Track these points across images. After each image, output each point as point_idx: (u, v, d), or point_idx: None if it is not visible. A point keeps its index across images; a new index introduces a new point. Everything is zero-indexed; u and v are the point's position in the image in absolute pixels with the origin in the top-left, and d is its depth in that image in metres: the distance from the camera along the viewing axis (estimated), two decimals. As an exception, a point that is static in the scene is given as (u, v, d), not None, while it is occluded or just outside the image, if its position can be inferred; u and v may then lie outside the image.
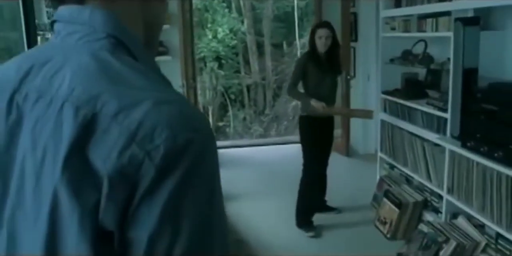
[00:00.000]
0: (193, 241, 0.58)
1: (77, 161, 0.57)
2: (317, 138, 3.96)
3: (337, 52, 3.96)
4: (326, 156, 4.14)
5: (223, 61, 12.09)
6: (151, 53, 0.78)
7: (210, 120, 11.94)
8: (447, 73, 3.67)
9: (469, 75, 3.20)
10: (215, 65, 11.98)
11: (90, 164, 0.57)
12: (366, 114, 4.17)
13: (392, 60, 4.29)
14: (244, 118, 12.44)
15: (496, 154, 2.78)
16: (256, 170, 5.63)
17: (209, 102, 12.01)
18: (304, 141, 3.98)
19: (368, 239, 3.87)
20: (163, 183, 0.56)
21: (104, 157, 0.57)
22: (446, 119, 3.49)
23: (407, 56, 4.09)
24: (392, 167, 4.42)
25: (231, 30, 12.08)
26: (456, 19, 3.22)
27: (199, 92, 11.91)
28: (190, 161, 0.58)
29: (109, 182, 0.56)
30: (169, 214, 0.57)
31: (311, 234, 3.95)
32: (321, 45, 3.82)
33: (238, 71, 12.54)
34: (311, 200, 4.02)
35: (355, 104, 5.85)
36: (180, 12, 5.21)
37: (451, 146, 3.28)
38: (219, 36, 11.76)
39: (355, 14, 5.75)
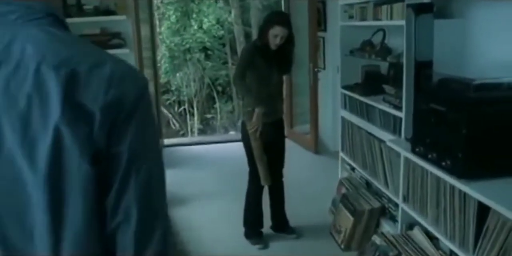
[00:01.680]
0: (154, 154, 0.84)
1: (71, 104, 0.74)
2: (263, 145, 3.41)
3: (290, 50, 3.41)
4: (277, 165, 3.58)
5: (209, 52, 11.61)
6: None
7: (195, 113, 11.54)
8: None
9: (422, 69, 2.75)
10: (201, 56, 11.50)
11: (82, 105, 0.74)
12: (264, 176, 3.44)
13: (352, 52, 3.83)
14: (232, 111, 11.99)
15: (443, 163, 2.34)
16: (216, 170, 5.19)
17: (194, 95, 11.57)
18: (247, 149, 3.45)
19: (322, 250, 3.45)
20: (135, 113, 0.79)
21: (92, 98, 0.75)
22: (401, 119, 3.05)
23: (365, 47, 3.63)
24: (352, 168, 3.98)
25: (217, 21, 11.57)
26: (408, 6, 2.76)
27: (184, 84, 11.55)
28: (148, 98, 0.81)
29: (100, 114, 0.75)
30: (140, 133, 0.80)
31: (258, 246, 3.53)
32: (274, 44, 3.26)
33: (225, 63, 12.06)
34: (257, 211, 3.57)
35: (324, 97, 5.39)
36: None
37: (403, 151, 2.83)
38: (205, 26, 11.26)
39: (323, 2, 5.26)
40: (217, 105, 11.84)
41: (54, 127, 0.73)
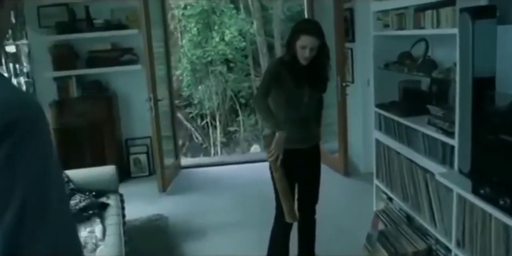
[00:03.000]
0: (27, 203, 0.66)
1: None
2: (291, 174, 2.79)
3: (323, 64, 2.79)
4: (309, 199, 2.97)
5: (231, 64, 11.10)
6: None
7: (218, 126, 11.03)
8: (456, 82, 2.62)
9: (482, 88, 2.16)
10: (223, 68, 11.00)
11: None
12: (288, 212, 2.78)
13: (387, 65, 3.24)
14: (255, 124, 11.43)
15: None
16: (237, 195, 4.59)
17: (217, 108, 11.07)
18: (272, 176, 2.84)
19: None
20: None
21: None
22: (453, 147, 2.45)
23: (404, 60, 3.04)
24: (390, 198, 3.38)
25: (240, 32, 11.07)
26: (462, 10, 2.17)
27: (206, 97, 11.06)
28: (19, 134, 0.67)
29: None
30: (3, 177, 0.65)
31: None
32: (303, 57, 2.66)
33: (248, 75, 11.53)
34: (283, 253, 2.96)
35: (353, 113, 4.79)
36: (143, 12, 4.23)
37: (459, 189, 2.23)
38: (227, 38, 10.76)
39: (351, 10, 4.68)
40: (240, 118, 11.30)
41: None
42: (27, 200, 0.66)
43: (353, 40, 4.75)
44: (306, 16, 5.55)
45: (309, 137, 2.86)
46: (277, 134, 2.65)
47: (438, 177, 2.39)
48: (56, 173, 0.73)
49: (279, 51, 11.51)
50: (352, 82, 4.86)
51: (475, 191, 2.02)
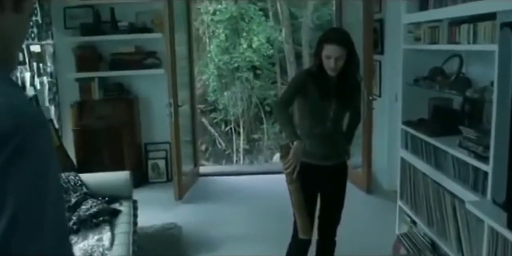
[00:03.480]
0: (17, 220, 0.59)
1: None
2: (312, 190, 2.64)
3: (353, 77, 2.61)
4: (330, 220, 2.77)
5: (258, 72, 10.94)
6: (7, 73, 0.73)
7: (242, 133, 10.87)
8: (491, 103, 2.40)
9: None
10: (250, 75, 10.85)
11: None
12: (303, 227, 2.54)
13: (416, 81, 3.03)
14: (280, 131, 11.24)
15: None
16: (257, 207, 4.40)
17: (241, 114, 10.92)
18: (290, 191, 2.66)
19: None
20: None
21: None
22: (486, 174, 2.23)
23: (435, 76, 2.82)
24: (414, 222, 3.15)
25: (268, 40, 10.92)
26: (504, 25, 1.96)
27: (231, 103, 10.93)
28: (16, 144, 0.60)
29: None
30: None
31: None
32: (329, 68, 2.48)
33: (274, 82, 11.37)
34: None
35: (379, 128, 4.57)
36: (167, 16, 4.11)
37: (491, 221, 2.01)
38: (254, 45, 10.62)
39: (381, 21, 4.48)
40: (264, 125, 11.13)
41: None
42: (18, 217, 0.60)
43: (382, 52, 4.54)
44: (334, 25, 5.36)
45: (334, 154, 2.67)
46: (294, 143, 2.49)
47: (468, 206, 2.17)
48: (54, 188, 0.65)
49: (307, 60, 11.32)
50: (379, 96, 4.64)
51: (510, 226, 1.80)
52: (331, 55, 2.46)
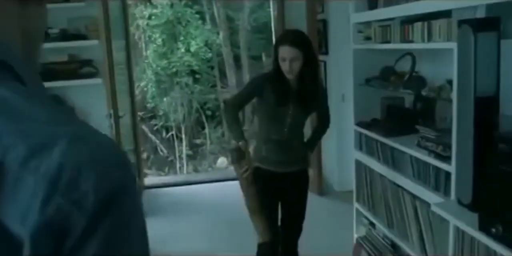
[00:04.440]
0: None
1: None
2: (270, 197, 2.48)
3: (311, 79, 2.47)
4: (292, 233, 2.66)
5: (197, 76, 10.75)
6: (34, 72, 0.59)
7: (184, 139, 10.64)
8: (446, 102, 2.37)
9: (485, 108, 1.90)
10: (189, 79, 10.63)
11: (3, 226, 0.42)
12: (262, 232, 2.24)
13: (368, 81, 2.98)
14: (222, 135, 11.10)
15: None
16: (208, 219, 4.22)
17: (182, 120, 10.68)
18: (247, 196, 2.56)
19: None
20: (95, 234, 0.44)
21: (21, 216, 0.42)
22: (448, 173, 2.18)
23: (388, 76, 2.77)
24: (372, 224, 3.10)
25: (206, 43, 10.74)
26: (462, 22, 1.91)
27: (172, 109, 10.67)
28: (122, 203, 0.46)
29: (31, 243, 0.42)
30: None
31: None
32: (286, 70, 2.38)
33: (214, 86, 11.21)
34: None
35: (326, 134, 4.50)
36: (102, 22, 3.86)
37: (461, 223, 1.95)
38: (193, 49, 10.41)
39: (324, 21, 4.43)
40: (206, 130, 10.95)
41: None
42: None
43: (326, 52, 4.50)
44: (273, 28, 5.29)
45: (292, 161, 2.56)
46: (240, 143, 2.38)
47: (434, 208, 2.11)
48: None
49: (245, 62, 11.26)
50: (326, 96, 4.59)
51: (484, 229, 1.74)
52: (286, 57, 2.37)
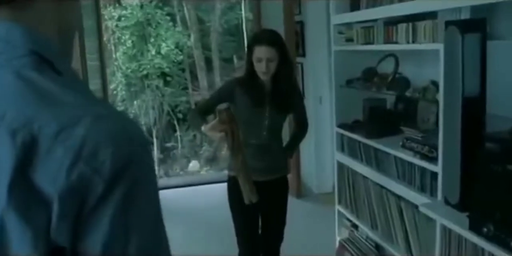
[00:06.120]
0: (142, 249, 0.57)
1: (22, 186, 0.53)
2: (249, 210, 2.44)
3: (287, 79, 2.44)
4: (273, 239, 2.62)
5: (168, 78, 10.62)
6: (69, 63, 0.71)
7: (155, 142, 10.50)
8: (430, 103, 2.40)
9: (472, 109, 1.93)
10: (160, 82, 10.50)
11: (37, 187, 0.53)
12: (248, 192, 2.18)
13: (349, 82, 2.99)
14: (194, 137, 11.00)
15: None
16: (186, 226, 4.15)
17: (153, 123, 10.54)
18: (231, 210, 2.54)
19: None
20: (112, 195, 0.54)
21: (51, 178, 0.53)
22: (433, 174, 2.20)
23: (370, 77, 2.79)
24: (355, 226, 3.11)
25: (176, 45, 10.63)
26: (449, 23, 1.93)
27: (142, 112, 10.53)
28: (135, 173, 0.56)
29: (59, 201, 0.53)
30: (119, 224, 0.55)
31: None
32: (261, 71, 2.35)
33: (185, 88, 11.11)
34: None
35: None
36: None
37: (450, 223, 1.97)
38: (163, 51, 10.29)
39: (301, 23, 4.44)
40: (177, 133, 10.83)
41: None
42: (140, 249, 0.56)
43: (303, 54, 4.51)
44: (244, 31, 5.28)
45: (271, 168, 2.51)
46: (203, 129, 2.19)
47: (422, 209, 2.13)
48: (161, 213, 0.62)
49: (217, 65, 11.21)
50: (303, 98, 4.60)
51: (475, 229, 1.76)
52: (262, 57, 2.33)
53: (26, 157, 0.53)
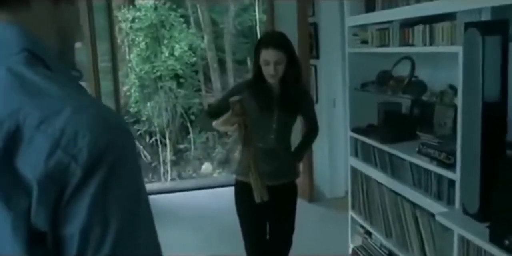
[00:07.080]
0: (122, 234, 0.58)
1: (7, 173, 0.56)
2: (256, 216, 2.41)
3: (295, 82, 2.37)
4: (279, 244, 2.53)
5: (181, 80, 10.61)
6: (67, 61, 0.77)
7: (168, 144, 10.49)
8: (448, 107, 2.31)
9: (493, 114, 1.84)
10: (173, 84, 10.49)
11: (20, 174, 0.56)
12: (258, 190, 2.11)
13: (364, 85, 2.91)
14: (207, 140, 10.97)
15: None
16: (196, 229, 4.10)
17: (166, 125, 10.53)
18: (238, 215, 2.48)
19: None
20: (90, 182, 0.57)
21: (32, 164, 0.56)
22: (451, 181, 2.12)
23: (385, 80, 2.71)
24: (368, 233, 3.02)
25: (190, 47, 10.62)
26: (469, 25, 1.85)
27: (155, 114, 10.52)
28: (112, 160, 0.58)
29: (38, 187, 0.56)
30: (97, 209, 0.57)
31: None
32: (268, 74, 2.28)
33: (198, 90, 11.08)
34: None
35: (317, 140, 4.44)
36: (87, 24, 3.74)
37: (466, 233, 1.88)
38: (177, 53, 10.28)
39: (315, 25, 4.37)
40: (190, 135, 10.80)
41: None
42: (123, 234, 0.59)
43: (317, 56, 4.43)
44: (258, 32, 5.22)
45: (278, 172, 2.41)
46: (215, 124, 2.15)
47: (438, 218, 2.04)
48: (146, 194, 0.64)
49: (230, 66, 11.18)
50: (316, 102, 4.52)
51: (496, 241, 1.68)
52: (270, 60, 2.26)
53: (11, 145, 0.56)
